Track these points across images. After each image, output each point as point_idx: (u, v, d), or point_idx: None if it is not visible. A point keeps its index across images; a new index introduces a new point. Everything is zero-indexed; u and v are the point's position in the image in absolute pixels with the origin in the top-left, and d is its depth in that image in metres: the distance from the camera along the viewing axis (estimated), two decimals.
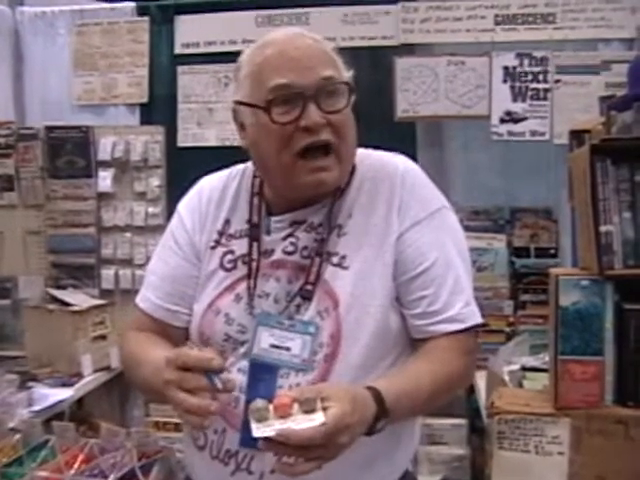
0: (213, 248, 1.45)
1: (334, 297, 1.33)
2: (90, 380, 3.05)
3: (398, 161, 1.44)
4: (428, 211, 1.38)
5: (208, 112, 3.74)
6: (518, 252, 3.41)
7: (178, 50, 3.81)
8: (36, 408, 2.59)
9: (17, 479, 1.94)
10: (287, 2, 3.67)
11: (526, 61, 3.45)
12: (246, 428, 1.08)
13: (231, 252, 1.43)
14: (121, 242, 3.72)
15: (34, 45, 3.94)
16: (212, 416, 1.14)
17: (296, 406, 1.07)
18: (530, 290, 3.30)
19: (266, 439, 1.04)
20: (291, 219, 1.40)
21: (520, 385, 2.06)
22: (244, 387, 1.27)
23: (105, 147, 3.69)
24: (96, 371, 3.10)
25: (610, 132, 1.89)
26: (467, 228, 3.40)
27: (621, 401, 1.55)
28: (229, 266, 1.42)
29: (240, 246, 1.42)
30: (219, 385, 1.13)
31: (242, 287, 1.39)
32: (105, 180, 3.69)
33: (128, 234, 3.71)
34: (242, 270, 1.40)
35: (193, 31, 3.78)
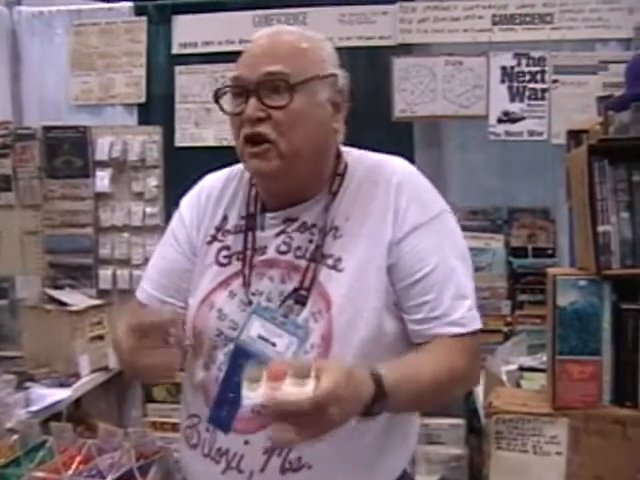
0: (209, 243, 1.46)
1: (327, 299, 1.33)
2: (88, 380, 3.05)
3: (396, 165, 1.43)
4: (428, 216, 1.37)
5: (206, 112, 3.73)
6: (516, 252, 3.41)
7: (176, 50, 3.80)
8: (33, 408, 2.59)
9: None
10: (284, 2, 3.67)
11: (524, 61, 3.45)
12: (216, 406, 1.09)
13: (227, 248, 1.44)
14: (119, 242, 3.71)
15: (31, 45, 3.93)
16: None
17: (290, 374, 1.05)
18: (528, 290, 3.30)
19: (256, 405, 1.04)
20: (284, 216, 1.40)
21: (518, 385, 2.06)
22: (226, 370, 1.31)
23: (103, 147, 3.68)
24: (94, 371, 3.10)
25: (608, 132, 1.89)
26: (465, 228, 3.37)
27: (619, 401, 1.56)
28: (224, 261, 1.43)
29: (235, 242, 1.43)
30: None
31: (236, 283, 1.39)
32: (103, 180, 3.68)
33: (126, 234, 3.71)
34: (236, 266, 1.41)
35: (191, 31, 3.77)
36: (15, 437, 2.07)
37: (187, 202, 1.55)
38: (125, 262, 3.70)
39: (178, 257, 1.49)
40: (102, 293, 3.66)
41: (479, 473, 2.82)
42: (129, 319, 1.24)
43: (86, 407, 3.19)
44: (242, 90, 1.32)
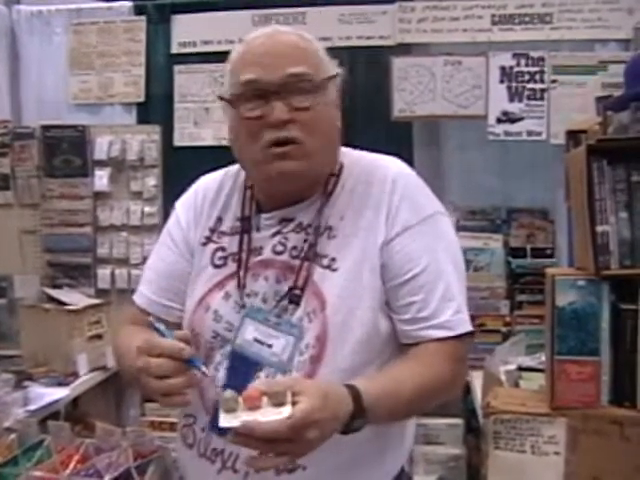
0: (204, 244, 1.46)
1: (322, 299, 1.33)
2: (86, 379, 3.04)
3: (391, 165, 1.43)
4: (420, 216, 1.37)
5: (205, 111, 3.74)
6: (514, 252, 3.41)
7: (175, 49, 3.80)
8: (31, 407, 2.59)
9: (12, 479, 1.93)
10: (284, 1, 3.67)
11: (523, 61, 3.45)
12: (216, 414, 1.09)
13: (222, 249, 1.44)
14: (117, 241, 3.71)
15: (30, 44, 3.92)
16: (189, 394, 1.18)
17: (265, 399, 1.06)
18: (526, 290, 3.30)
19: (234, 430, 1.04)
20: (280, 216, 1.40)
21: (516, 385, 2.06)
22: (224, 377, 1.30)
23: (101, 146, 3.68)
24: (92, 370, 3.09)
25: (606, 132, 1.89)
26: (463, 228, 3.44)
27: (617, 401, 1.56)
28: (219, 263, 1.43)
29: (231, 243, 1.43)
30: (203, 369, 1.18)
31: (232, 285, 1.39)
32: (101, 179, 3.68)
33: (124, 233, 3.71)
34: (232, 267, 1.41)
35: (190, 30, 3.77)
36: (13, 436, 2.07)
37: (183, 203, 1.54)
38: (124, 261, 3.70)
39: (177, 259, 1.48)
40: (100, 292, 3.65)
41: (477, 473, 2.82)
42: (144, 344, 1.20)
43: (84, 406, 3.19)
44: (262, 93, 1.30)
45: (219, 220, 1.47)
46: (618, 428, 1.52)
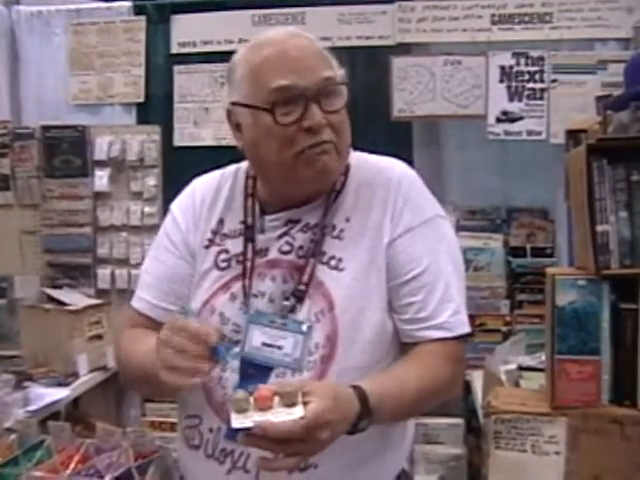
0: (207, 247, 1.45)
1: (329, 299, 1.33)
2: (86, 380, 3.04)
3: (396, 167, 1.44)
4: (421, 219, 1.38)
5: (204, 111, 3.74)
6: (514, 252, 3.41)
7: (174, 49, 3.80)
8: (32, 408, 2.58)
9: (13, 479, 1.93)
10: (283, 1, 3.67)
11: (522, 61, 3.45)
12: (230, 421, 1.09)
13: (225, 251, 1.43)
14: (117, 242, 3.71)
15: (30, 44, 3.92)
16: (200, 378, 1.16)
17: (277, 399, 1.07)
18: (527, 289, 3.30)
19: (246, 432, 1.04)
20: (286, 218, 1.40)
21: (517, 384, 2.06)
22: (237, 385, 1.28)
23: (101, 146, 3.69)
24: (92, 371, 3.09)
25: (606, 132, 1.89)
26: (463, 228, 3.44)
27: (617, 400, 1.56)
28: (223, 265, 1.42)
29: (234, 245, 1.42)
30: (228, 359, 1.18)
31: (237, 286, 1.38)
32: (101, 179, 3.69)
33: (124, 234, 3.71)
34: (236, 269, 1.40)
35: (189, 30, 3.77)
36: (13, 436, 2.07)
37: (180, 205, 1.52)
38: (124, 261, 3.70)
39: (178, 261, 1.46)
40: (100, 292, 3.66)
41: (478, 473, 2.82)
42: (174, 320, 1.20)
43: (84, 406, 3.19)
44: (296, 98, 1.29)
45: (220, 222, 1.46)
46: (618, 427, 1.52)
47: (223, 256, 1.43)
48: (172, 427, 3.16)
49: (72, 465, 1.94)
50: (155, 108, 3.83)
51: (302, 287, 1.33)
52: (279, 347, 1.27)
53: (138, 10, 3.85)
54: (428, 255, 1.36)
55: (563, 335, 1.56)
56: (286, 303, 1.33)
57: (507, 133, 3.45)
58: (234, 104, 1.37)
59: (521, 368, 2.15)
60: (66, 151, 3.70)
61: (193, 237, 1.46)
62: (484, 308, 3.23)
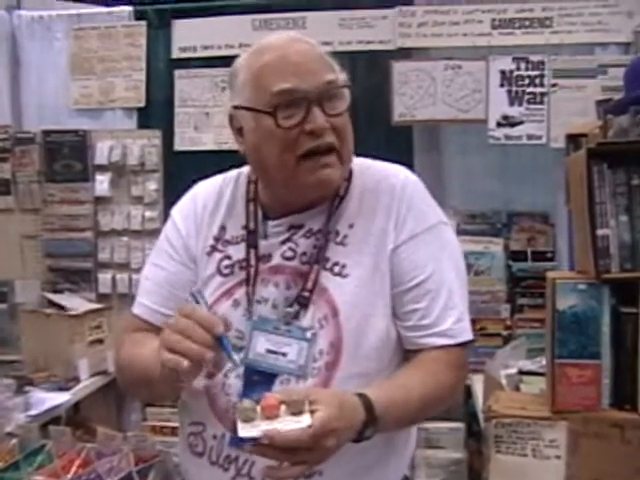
0: (209, 254, 1.44)
1: (333, 305, 1.33)
2: (87, 384, 3.04)
3: (399, 173, 1.43)
4: (425, 226, 1.38)
5: (205, 116, 3.75)
6: (515, 256, 3.41)
7: (175, 54, 3.81)
8: (33, 412, 2.58)
9: None
10: (284, 6, 3.68)
11: (523, 65, 3.45)
12: (235, 429, 1.08)
13: (228, 257, 1.42)
14: (118, 246, 3.72)
15: (31, 49, 3.94)
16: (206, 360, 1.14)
17: (283, 408, 1.06)
18: (527, 294, 3.30)
19: (252, 440, 1.04)
20: (289, 223, 1.39)
21: (517, 389, 2.06)
22: (241, 392, 1.27)
23: (102, 151, 3.69)
24: (93, 375, 3.09)
25: (607, 136, 1.89)
26: (464, 232, 3.44)
27: (618, 404, 1.55)
28: (226, 271, 1.41)
29: (237, 251, 1.41)
30: (234, 356, 1.16)
31: (240, 293, 1.38)
32: (102, 184, 3.69)
33: (125, 238, 3.72)
34: (239, 275, 1.39)
35: (190, 35, 3.78)
36: (14, 441, 2.07)
37: (181, 210, 1.51)
38: (124, 266, 3.71)
39: (179, 267, 1.45)
40: (101, 297, 3.66)
41: (478, 477, 2.82)
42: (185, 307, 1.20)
43: (85, 411, 3.19)
44: (298, 101, 1.29)
45: (223, 228, 1.45)
46: (619, 431, 1.52)
47: (226, 262, 1.42)
48: (173, 431, 3.15)
49: (73, 470, 1.94)
50: (156, 113, 3.84)
51: (306, 293, 1.33)
52: (283, 354, 1.27)
53: (139, 15, 3.86)
54: (431, 262, 1.35)
55: (563, 339, 1.56)
56: (290, 309, 1.33)
57: (507, 137, 3.46)
58: (236, 108, 1.37)
59: (521, 372, 2.15)
60: (67, 156, 3.70)
61: (194, 243, 1.45)
62: (485, 312, 3.23)
